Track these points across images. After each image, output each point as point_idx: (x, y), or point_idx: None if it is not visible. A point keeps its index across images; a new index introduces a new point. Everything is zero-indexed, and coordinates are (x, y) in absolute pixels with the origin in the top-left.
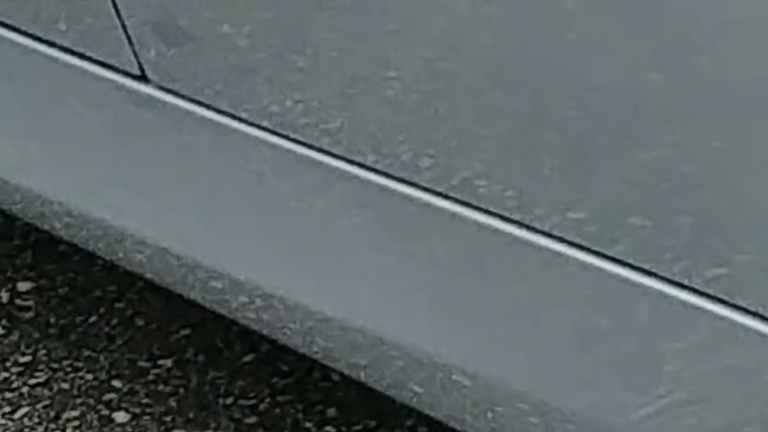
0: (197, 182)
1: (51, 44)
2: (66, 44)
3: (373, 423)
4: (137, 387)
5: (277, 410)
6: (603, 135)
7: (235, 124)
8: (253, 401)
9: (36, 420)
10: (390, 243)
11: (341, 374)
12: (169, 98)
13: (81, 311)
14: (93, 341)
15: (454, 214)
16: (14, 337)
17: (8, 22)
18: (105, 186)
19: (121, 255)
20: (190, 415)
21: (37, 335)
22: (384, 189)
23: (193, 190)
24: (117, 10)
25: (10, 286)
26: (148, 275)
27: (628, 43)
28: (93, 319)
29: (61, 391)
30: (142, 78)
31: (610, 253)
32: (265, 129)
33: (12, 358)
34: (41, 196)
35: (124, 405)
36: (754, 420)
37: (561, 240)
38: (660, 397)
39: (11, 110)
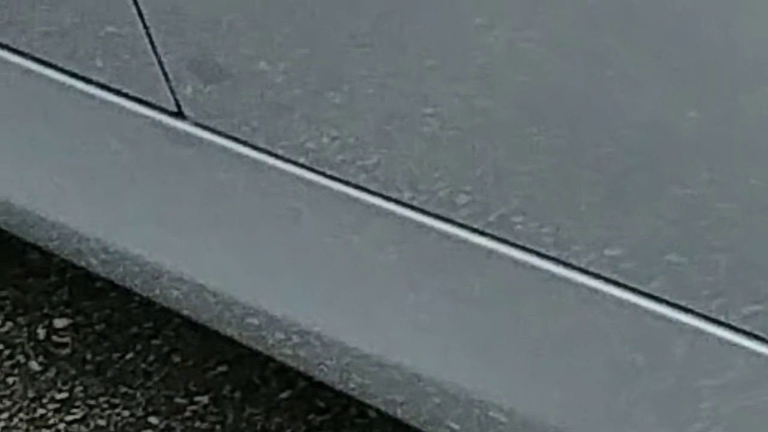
0: (234, 219)
1: (88, 81)
2: (103, 81)
3: None
4: (174, 424)
5: None
6: (640, 172)
7: (271, 160)
8: None
9: None
10: (426, 279)
11: (378, 411)
12: (205, 135)
13: (118, 348)
14: (130, 378)
15: (490, 251)
16: (51, 373)
17: (45, 58)
18: (141, 222)
19: (157, 291)
20: None
21: (73, 372)
22: (420, 225)
23: (229, 226)
24: (154, 47)
25: (46, 322)
26: (185, 312)
27: (665, 81)
28: (130, 355)
29: (97, 427)
30: (179, 114)
31: (646, 290)
32: (301, 165)
33: (49, 395)
34: (78, 232)
35: None
36: None
37: (597, 276)
38: None
39: (48, 147)
